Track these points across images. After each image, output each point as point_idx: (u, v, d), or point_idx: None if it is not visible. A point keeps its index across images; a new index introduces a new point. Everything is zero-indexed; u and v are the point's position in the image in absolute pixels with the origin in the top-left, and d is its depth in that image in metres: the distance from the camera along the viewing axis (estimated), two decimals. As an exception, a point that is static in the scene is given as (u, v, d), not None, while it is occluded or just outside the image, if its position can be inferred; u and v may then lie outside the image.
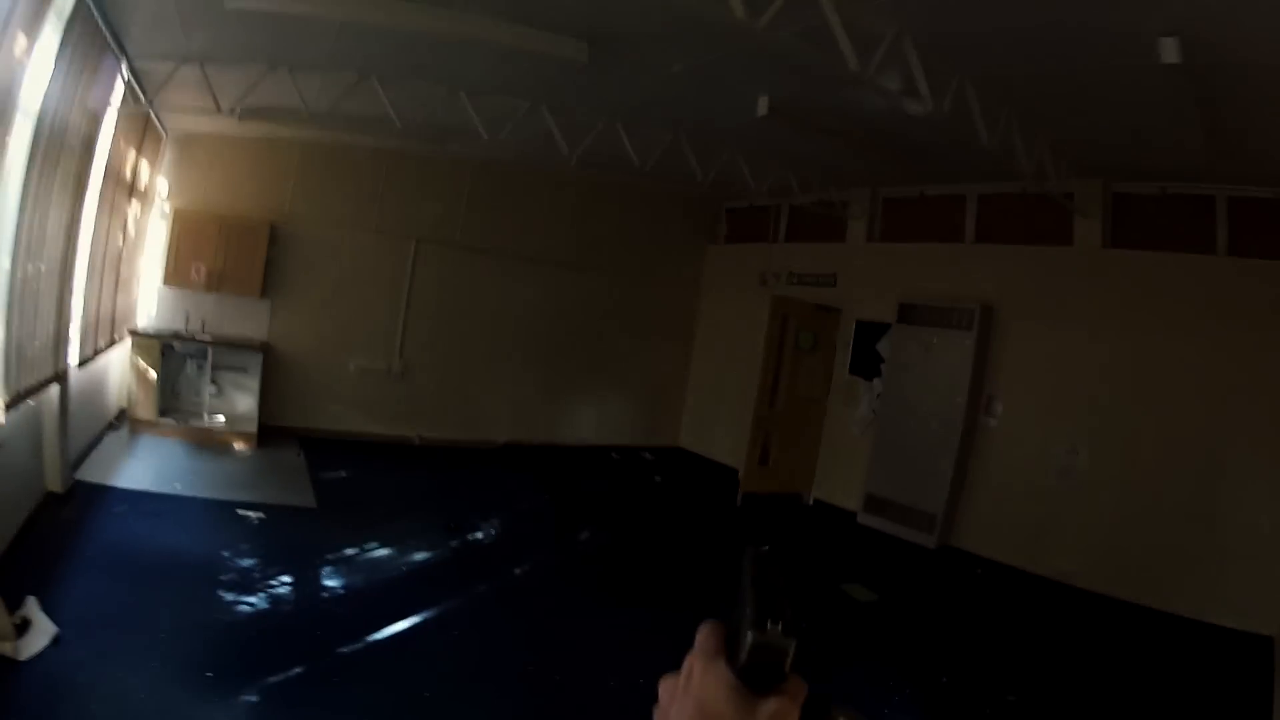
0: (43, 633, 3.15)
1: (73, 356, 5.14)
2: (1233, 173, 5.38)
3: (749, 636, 0.49)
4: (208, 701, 3.07)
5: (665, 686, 0.54)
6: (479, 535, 5.91)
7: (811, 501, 8.15)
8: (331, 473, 6.87)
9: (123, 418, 7.06)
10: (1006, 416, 6.54)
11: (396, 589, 4.60)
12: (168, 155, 7.53)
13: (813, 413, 8.14)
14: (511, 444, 8.87)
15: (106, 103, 5.10)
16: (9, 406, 3.69)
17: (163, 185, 7.57)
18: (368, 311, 8.25)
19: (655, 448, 9.79)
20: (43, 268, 4.22)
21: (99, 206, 5.30)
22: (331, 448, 7.62)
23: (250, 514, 5.36)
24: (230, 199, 7.58)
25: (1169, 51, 3.28)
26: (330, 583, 4.52)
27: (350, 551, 4.98)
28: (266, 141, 7.62)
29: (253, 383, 7.40)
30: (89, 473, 5.48)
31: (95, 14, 4.24)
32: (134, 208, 6.75)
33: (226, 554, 4.58)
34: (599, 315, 9.30)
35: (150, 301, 7.56)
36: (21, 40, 3.28)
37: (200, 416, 7.30)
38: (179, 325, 7.46)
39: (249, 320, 7.75)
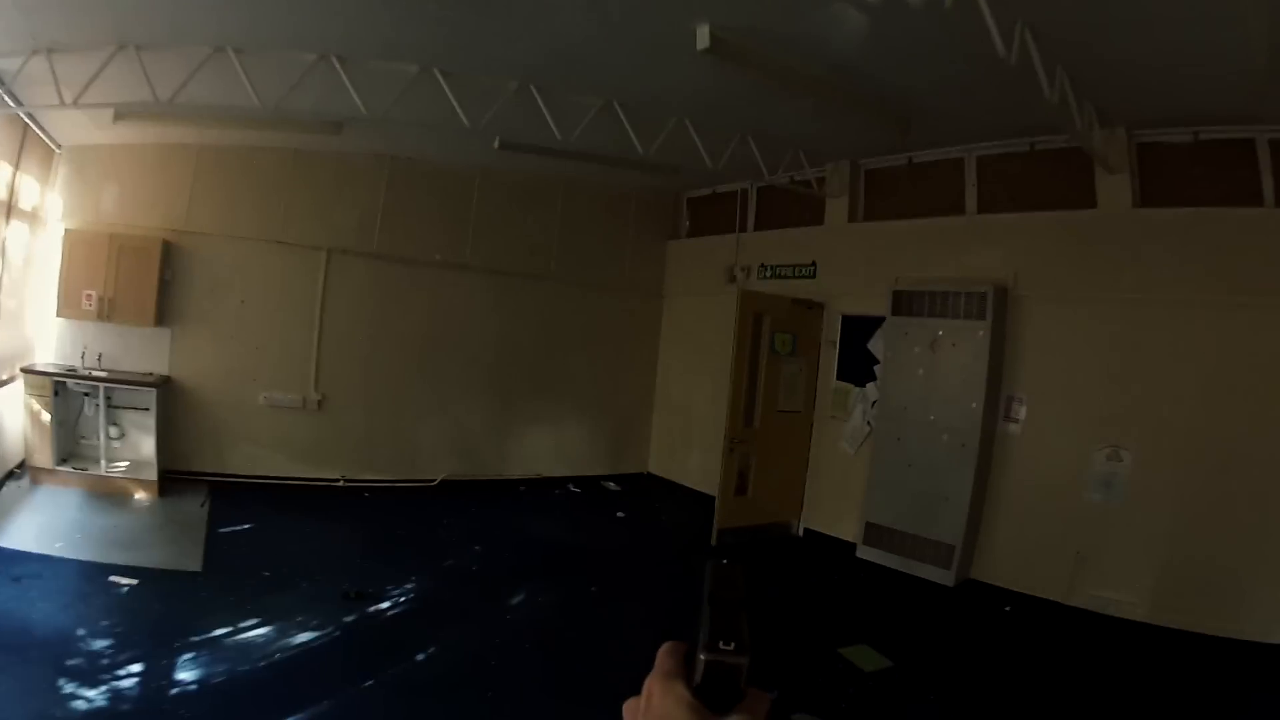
0: None
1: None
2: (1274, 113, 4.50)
3: (701, 657, 0.53)
4: None
5: (627, 709, 0.57)
6: (385, 604, 4.77)
7: (801, 532, 7.05)
8: (233, 526, 5.90)
9: (24, 466, 6.24)
10: (1032, 420, 5.49)
11: (263, 685, 3.61)
12: (61, 171, 6.60)
13: (797, 428, 7.05)
14: (451, 481, 7.71)
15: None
16: None
17: (56, 204, 6.58)
18: (276, 336, 7.09)
19: (621, 476, 8.66)
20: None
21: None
22: (244, 495, 6.64)
23: (123, 581, 4.59)
24: (124, 216, 6.61)
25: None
26: (184, 675, 3.60)
27: (220, 631, 4.08)
28: (160, 148, 6.68)
29: (160, 422, 6.37)
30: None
31: None
32: (16, 230, 6.02)
33: (82, 632, 3.89)
34: (547, 328, 8.18)
35: (48, 335, 6.55)
36: None
37: (99, 463, 6.32)
38: (76, 361, 6.48)
39: (150, 352, 6.67)
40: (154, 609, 4.34)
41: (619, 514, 7.46)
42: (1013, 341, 5.58)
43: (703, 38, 3.79)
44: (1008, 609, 5.33)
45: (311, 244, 7.09)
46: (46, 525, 5.42)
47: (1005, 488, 5.60)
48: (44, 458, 6.15)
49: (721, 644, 0.53)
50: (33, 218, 6.38)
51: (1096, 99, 4.64)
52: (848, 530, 6.49)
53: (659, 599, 5.23)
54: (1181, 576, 4.77)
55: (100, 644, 3.81)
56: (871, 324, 6.49)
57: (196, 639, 3.95)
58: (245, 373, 6.99)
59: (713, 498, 6.69)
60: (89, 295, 6.42)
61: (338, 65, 4.79)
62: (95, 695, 3.36)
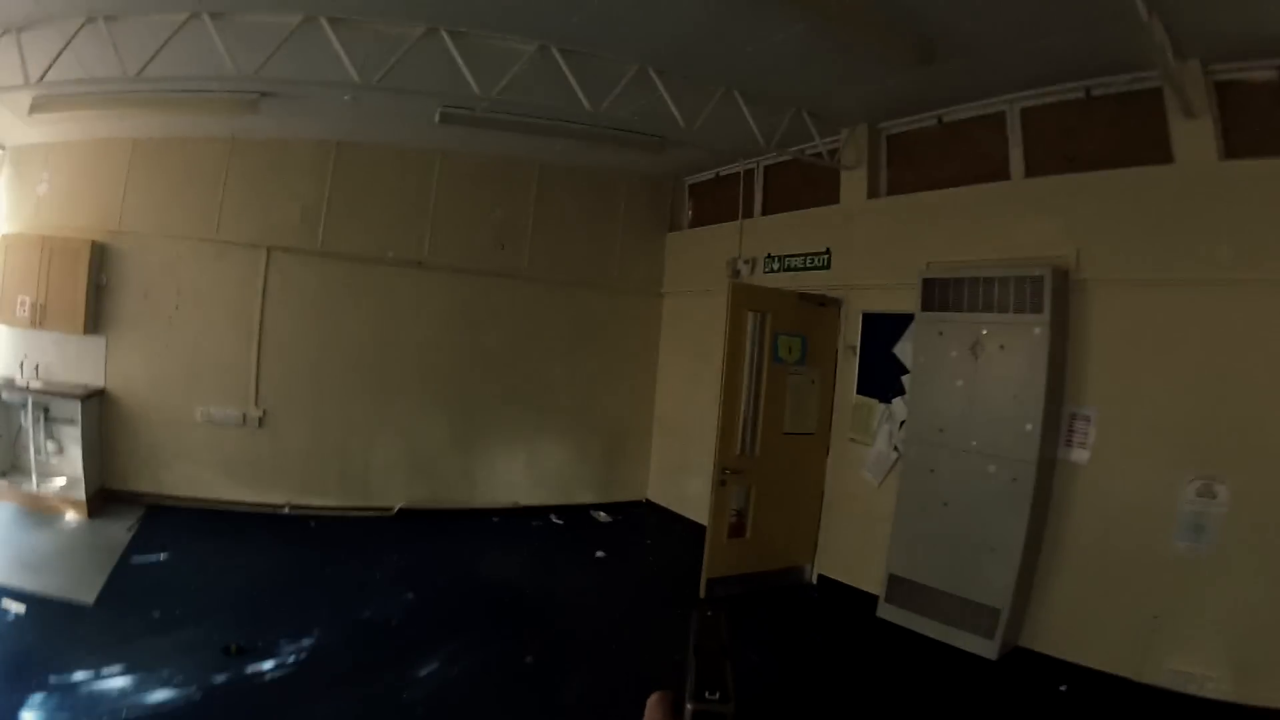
0: None
1: None
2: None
3: (689, 707, 0.58)
4: None
5: None
6: (266, 664, 3.99)
7: (815, 579, 5.88)
8: (149, 555, 5.42)
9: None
10: (1102, 444, 4.24)
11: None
12: (3, 173, 6.37)
13: (809, 454, 5.90)
14: (411, 510, 6.85)
15: None
16: None
17: None
18: (212, 345, 6.44)
19: (615, 505, 7.64)
20: None
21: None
22: (178, 519, 6.11)
23: (12, 606, 4.36)
24: (59, 217, 6.24)
25: None
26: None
27: (80, 676, 3.68)
28: (95, 144, 6.30)
29: (87, 438, 5.96)
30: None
31: None
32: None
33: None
34: (522, 334, 7.27)
35: None
36: None
37: (32, 478, 6.03)
38: (14, 371, 6.17)
39: (86, 362, 6.25)
40: (26, 640, 4.05)
41: (598, 553, 6.42)
42: (1076, 341, 4.36)
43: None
44: (1064, 688, 4.12)
45: (249, 242, 6.42)
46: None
47: (1066, 533, 4.36)
48: (-24, 470, 5.92)
49: (707, 694, 0.58)
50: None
51: (1165, 21, 3.47)
52: (870, 579, 5.30)
53: (613, 673, 4.19)
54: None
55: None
56: (899, 323, 5.32)
57: (53, 681, 3.60)
58: (180, 385, 6.37)
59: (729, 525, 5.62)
60: (23, 301, 6.14)
61: (209, 23, 4.00)
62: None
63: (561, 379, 7.45)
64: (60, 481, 6.07)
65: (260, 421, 6.50)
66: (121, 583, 4.93)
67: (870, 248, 5.64)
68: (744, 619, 5.11)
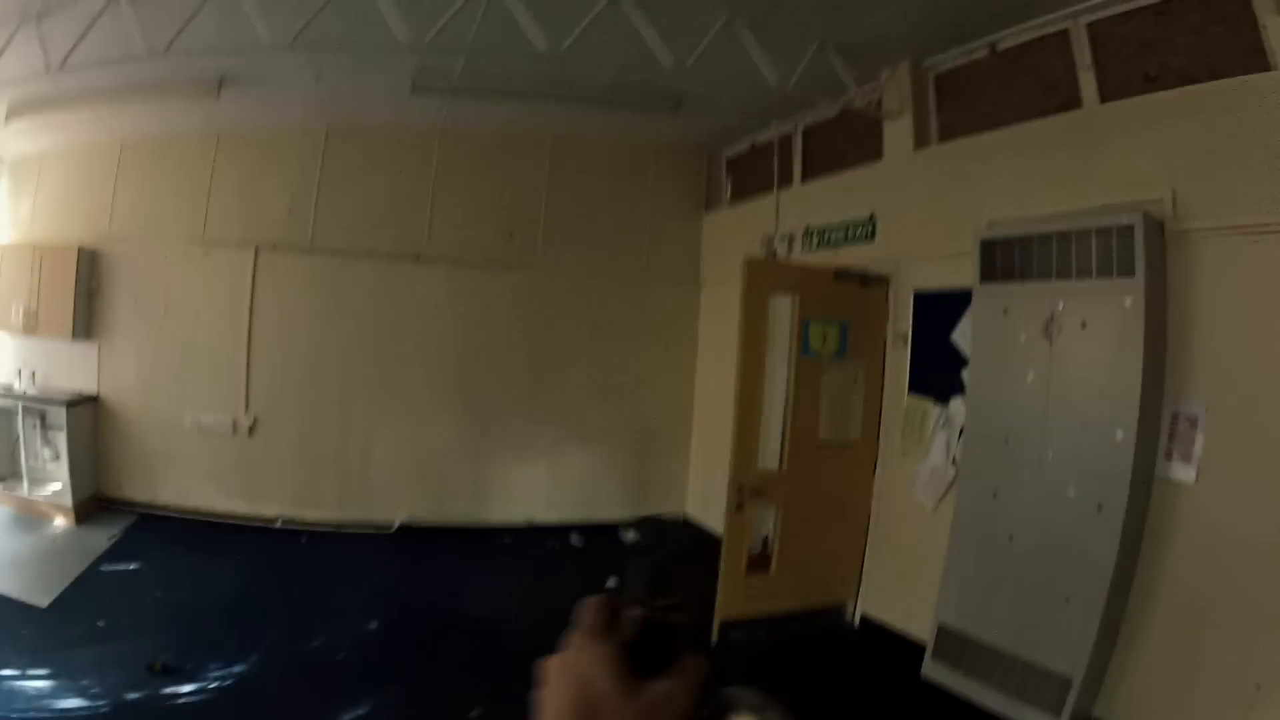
0: None
1: None
2: None
3: (637, 612, 0.52)
4: None
5: (544, 669, 0.54)
6: (186, 688, 3.76)
7: (856, 621, 4.89)
8: (120, 564, 5.42)
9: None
10: (1214, 457, 3.08)
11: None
12: (2, 186, 6.57)
13: (852, 468, 4.92)
14: (413, 527, 6.38)
15: None
16: None
17: None
18: (201, 350, 6.28)
19: (648, 521, 6.86)
20: None
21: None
22: (166, 529, 6.06)
23: None
24: (52, 224, 6.37)
25: None
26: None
27: (7, 673, 3.78)
28: (84, 150, 6.37)
29: (73, 445, 5.99)
30: None
31: None
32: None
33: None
34: (536, 332, 6.65)
35: None
36: None
37: (24, 484, 6.10)
38: (13, 377, 6.34)
39: (80, 368, 6.31)
40: None
41: (610, 582, 5.68)
42: (1178, 313, 3.22)
43: None
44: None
45: (236, 240, 6.21)
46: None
47: (1162, 578, 3.21)
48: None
49: (660, 600, 0.53)
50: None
51: None
52: (921, 624, 4.26)
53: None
54: None
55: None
56: (957, 302, 4.26)
57: None
58: (171, 391, 6.26)
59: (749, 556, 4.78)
60: (17, 308, 6.24)
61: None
62: None
63: (584, 380, 6.77)
64: (55, 487, 6.05)
65: (251, 429, 6.26)
66: (82, 589, 4.91)
67: (921, 209, 4.62)
68: (762, 673, 4.23)
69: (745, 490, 4.58)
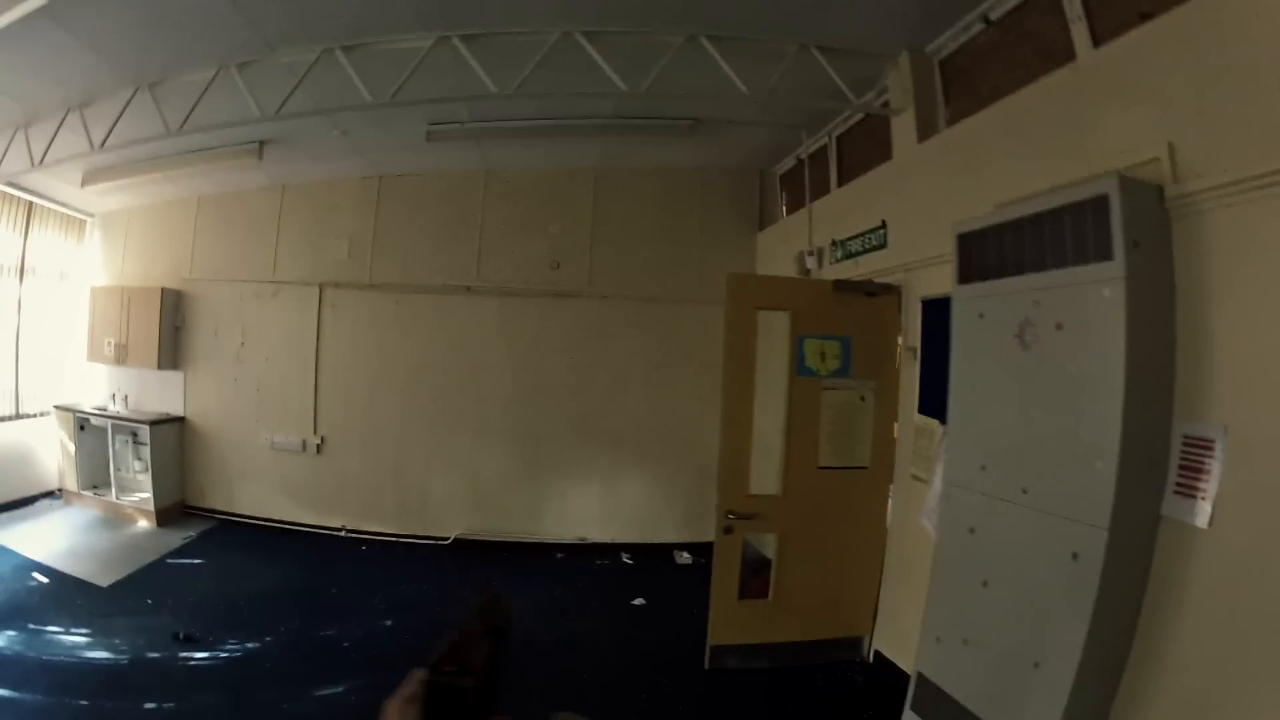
0: None
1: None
2: None
3: (421, 674, 0.60)
4: None
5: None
6: (201, 654, 4.27)
7: (871, 656, 4.34)
8: (187, 559, 6.01)
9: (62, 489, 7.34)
10: (1236, 495, 2.36)
11: (22, 678, 3.80)
12: (95, 236, 7.64)
13: (864, 494, 4.41)
14: (467, 540, 6.62)
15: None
16: None
17: (88, 266, 7.63)
18: (275, 377, 7.01)
19: (703, 546, 6.58)
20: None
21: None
22: (239, 534, 6.71)
23: (40, 578, 5.27)
24: (140, 270, 7.32)
25: None
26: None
27: (51, 628, 4.46)
28: (167, 205, 7.26)
29: (156, 458, 6.82)
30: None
31: None
32: (54, 290, 7.35)
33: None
34: (589, 356, 6.74)
35: (88, 378, 7.53)
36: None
37: (115, 491, 6.96)
38: (108, 401, 7.31)
39: (168, 394, 7.22)
40: (32, 600, 4.85)
41: (638, 600, 5.52)
42: (1189, 305, 2.54)
43: None
44: None
45: (302, 280, 6.89)
46: (35, 533, 6.20)
47: (1169, 645, 2.50)
48: (71, 482, 7.08)
49: (445, 666, 0.59)
50: (68, 279, 7.47)
51: None
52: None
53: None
54: None
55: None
56: (963, 311, 3.72)
57: (30, 626, 4.42)
58: (249, 414, 7.00)
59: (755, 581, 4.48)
60: (109, 342, 7.16)
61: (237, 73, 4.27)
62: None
63: (638, 404, 6.70)
64: (144, 495, 6.83)
65: (319, 448, 6.86)
66: (143, 576, 5.49)
67: (927, 206, 4.09)
68: (750, 700, 3.92)
69: (732, 515, 4.28)
